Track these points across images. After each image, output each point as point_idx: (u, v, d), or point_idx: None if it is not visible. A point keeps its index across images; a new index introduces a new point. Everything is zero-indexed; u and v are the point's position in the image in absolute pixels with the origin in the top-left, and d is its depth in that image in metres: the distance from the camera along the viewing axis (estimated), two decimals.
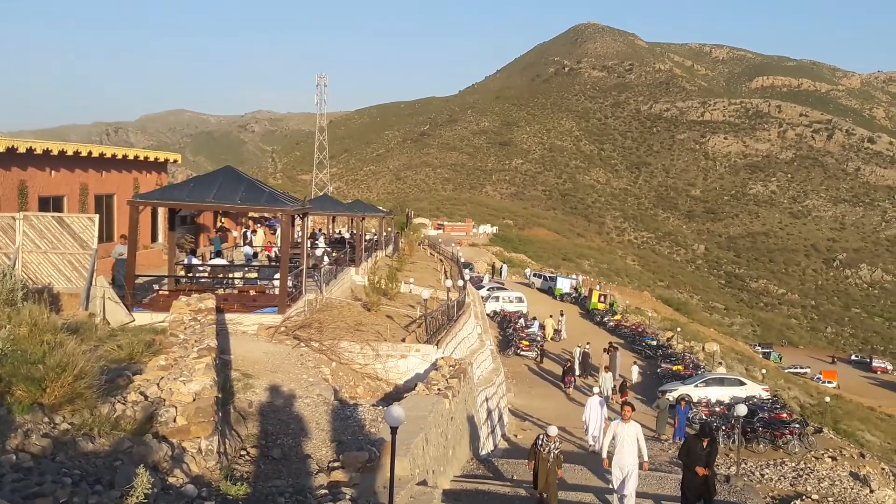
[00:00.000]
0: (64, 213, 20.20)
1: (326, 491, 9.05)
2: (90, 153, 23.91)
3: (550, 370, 34.45)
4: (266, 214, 35.28)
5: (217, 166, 26.61)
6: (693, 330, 57.25)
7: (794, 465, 22.28)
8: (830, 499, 18.76)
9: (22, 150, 20.43)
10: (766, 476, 20.83)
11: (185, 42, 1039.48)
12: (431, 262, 49.73)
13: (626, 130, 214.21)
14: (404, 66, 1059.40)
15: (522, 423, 25.72)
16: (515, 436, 23.85)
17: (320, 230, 44.05)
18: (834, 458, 23.22)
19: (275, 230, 34.03)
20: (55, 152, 21.92)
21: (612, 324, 48.23)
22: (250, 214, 36.26)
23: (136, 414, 8.92)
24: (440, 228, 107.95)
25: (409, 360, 17.47)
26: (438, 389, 14.30)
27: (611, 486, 12.97)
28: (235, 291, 19.78)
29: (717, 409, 27.17)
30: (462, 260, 56.82)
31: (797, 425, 24.89)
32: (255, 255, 27.58)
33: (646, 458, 12.70)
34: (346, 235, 41.80)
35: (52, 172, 22.27)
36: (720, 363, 41.87)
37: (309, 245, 30.69)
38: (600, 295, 55.33)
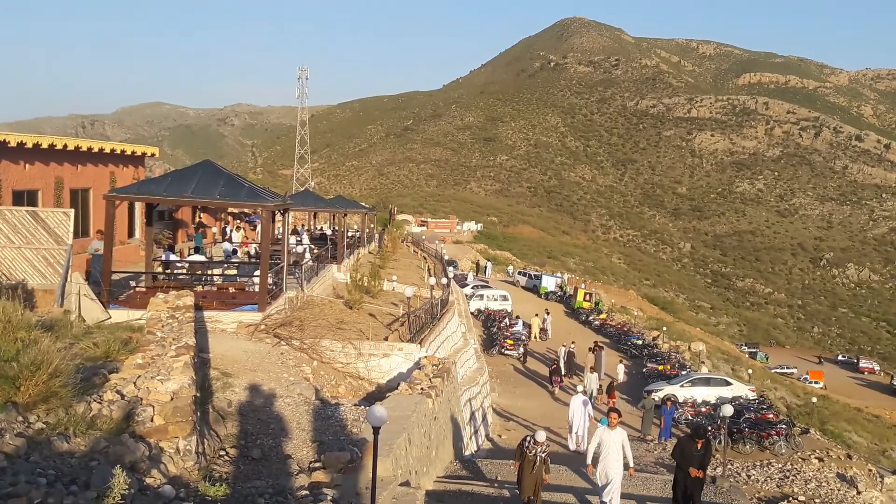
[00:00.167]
0: (38, 208, 19.82)
1: (307, 492, 8.93)
2: (65, 146, 23.57)
3: (536, 370, 34.38)
4: (246, 210, 34.97)
5: (196, 160, 26.36)
6: (679, 329, 57.43)
7: (780, 466, 22.26)
8: (817, 500, 18.75)
9: None
10: (752, 477, 20.80)
11: (164, 33, 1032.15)
12: (415, 260, 49.60)
13: (612, 127, 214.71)
14: (387, 59, 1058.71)
15: (507, 423, 25.63)
16: (500, 436, 23.76)
17: (303, 226, 43.74)
18: (821, 459, 23.22)
19: (255, 226, 33.72)
20: (29, 145, 21.55)
21: (597, 323, 48.27)
22: (230, 210, 35.94)
23: (113, 413, 8.78)
24: (424, 225, 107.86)
25: (391, 358, 17.33)
26: (422, 389, 14.17)
27: (599, 486, 12.86)
28: (214, 288, 19.55)
29: (703, 409, 27.19)
30: (446, 257, 56.68)
31: (784, 426, 24.95)
32: (235, 251, 27.28)
33: (631, 465, 12.56)
34: (328, 232, 41.53)
35: (27, 166, 21.90)
36: (703, 362, 42.00)
37: (295, 241, 30.51)
38: (585, 293, 55.39)
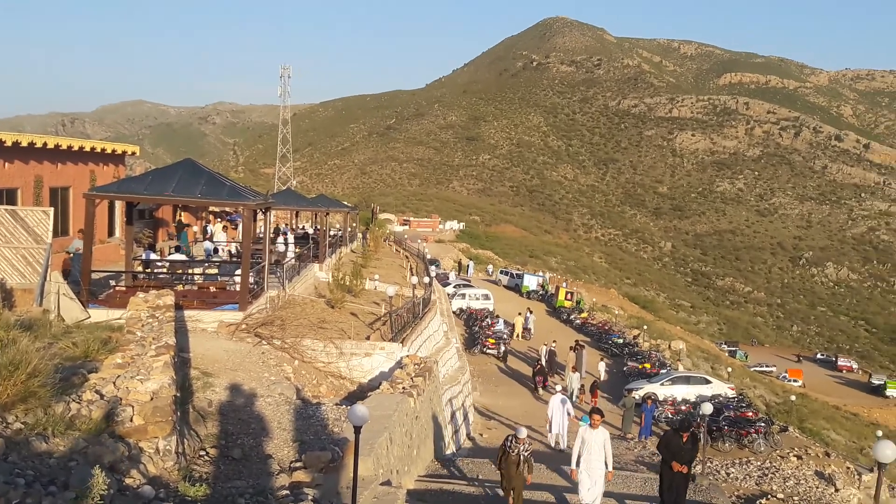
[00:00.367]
0: (18, 206, 19.65)
1: (288, 492, 8.93)
2: (45, 144, 23.36)
3: (517, 369, 34.48)
4: (227, 209, 34.78)
5: (177, 159, 26.24)
6: (659, 328, 57.76)
7: (759, 463, 22.42)
8: (796, 498, 18.93)
9: None
10: (731, 475, 20.94)
11: (145, 30, 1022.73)
12: (397, 259, 49.55)
13: (594, 126, 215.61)
14: (370, 58, 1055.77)
15: (488, 422, 25.66)
16: (481, 434, 23.80)
17: (287, 225, 43.55)
18: (799, 457, 23.40)
19: (236, 225, 33.55)
20: (9, 143, 21.35)
21: (578, 322, 48.47)
22: (211, 209, 35.72)
23: (92, 413, 8.74)
24: (406, 224, 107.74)
25: (373, 358, 17.32)
26: (403, 388, 14.18)
27: (580, 485, 12.89)
28: (195, 288, 19.44)
29: (683, 407, 27.37)
30: (428, 256, 56.70)
31: (763, 424, 25.11)
32: (216, 250, 27.15)
33: (610, 468, 12.47)
34: (310, 231, 41.40)
35: (6, 164, 21.70)
36: (678, 360, 42.30)
37: (284, 242, 30.40)
38: (567, 292, 55.58)
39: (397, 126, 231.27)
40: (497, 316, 43.05)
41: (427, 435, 15.84)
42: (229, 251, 27.58)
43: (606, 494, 13.20)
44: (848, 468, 23.37)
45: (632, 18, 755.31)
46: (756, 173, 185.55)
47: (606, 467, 12.36)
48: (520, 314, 44.36)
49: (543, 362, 32.55)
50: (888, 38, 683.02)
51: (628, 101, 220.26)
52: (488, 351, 36.18)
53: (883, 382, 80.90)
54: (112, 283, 19.40)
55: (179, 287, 18.58)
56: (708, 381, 31.56)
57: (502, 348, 36.00)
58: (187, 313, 16.38)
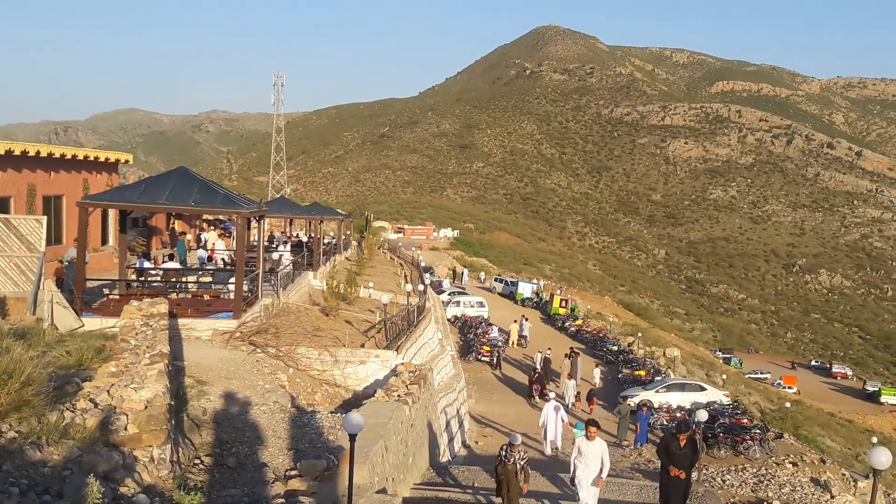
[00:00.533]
0: (10, 215, 19.58)
1: (283, 500, 8.93)
2: (38, 153, 23.32)
3: (512, 377, 34.44)
4: (221, 217, 34.72)
5: (170, 167, 26.20)
6: (654, 335, 57.75)
7: (755, 470, 22.44)
8: None
9: None
10: (727, 482, 20.95)
11: (137, 38, 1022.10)
12: (391, 267, 49.53)
13: (588, 134, 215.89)
14: (363, 66, 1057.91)
15: (484, 429, 25.62)
16: (476, 442, 23.77)
17: (283, 233, 43.47)
18: (795, 464, 23.41)
19: (230, 233, 33.51)
20: (1, 152, 21.32)
21: (573, 329, 48.40)
22: (204, 217, 35.66)
23: (86, 422, 8.71)
24: (400, 232, 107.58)
25: (368, 365, 17.29)
26: (398, 396, 14.15)
27: (576, 493, 12.83)
28: (189, 296, 19.39)
29: (679, 414, 27.36)
30: (422, 264, 56.63)
31: (758, 431, 25.13)
32: (210, 258, 27.11)
33: (603, 477, 12.34)
34: (304, 239, 41.37)
35: None
36: (669, 367, 42.32)
37: (281, 250, 30.37)
38: (561, 300, 55.52)
39: (391, 134, 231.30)
40: (490, 324, 43.01)
41: (422, 443, 15.81)
42: (223, 259, 27.54)
43: (603, 501, 13.18)
44: (843, 475, 23.41)
45: (624, 27, 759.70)
46: (749, 181, 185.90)
47: (600, 474, 12.26)
48: (515, 321, 44.33)
49: (539, 370, 32.50)
50: (879, 47, 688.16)
51: (621, 109, 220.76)
52: (483, 358, 36.13)
53: (877, 389, 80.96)
54: (106, 291, 19.34)
55: (173, 295, 18.54)
56: (703, 389, 31.57)
57: (495, 356, 35.93)
58: (181, 321, 16.34)
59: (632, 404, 27.48)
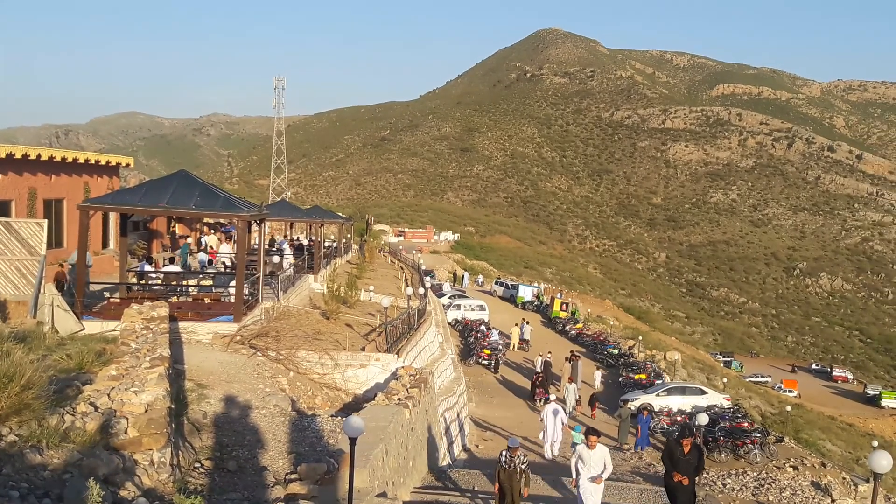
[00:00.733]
0: (11, 218, 19.60)
1: None
2: (39, 156, 23.35)
3: (512, 380, 34.41)
4: (222, 220, 34.74)
5: (171, 170, 26.20)
6: (654, 339, 57.73)
7: (755, 474, 22.39)
8: None
9: None
10: (727, 486, 20.90)
11: (138, 42, 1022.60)
12: (392, 270, 49.54)
13: (588, 137, 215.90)
14: (364, 69, 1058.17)
15: (484, 433, 25.61)
16: (477, 446, 23.75)
17: (285, 237, 43.47)
18: (795, 468, 23.36)
19: (231, 236, 33.53)
20: (2, 155, 21.34)
21: (573, 332, 48.40)
22: (205, 220, 35.67)
23: (87, 425, 8.69)
24: (401, 235, 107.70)
25: (368, 369, 17.28)
26: (399, 399, 14.13)
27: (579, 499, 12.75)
28: (190, 299, 19.39)
29: (679, 418, 27.32)
30: (423, 267, 56.63)
31: (758, 435, 25.08)
32: (211, 261, 27.12)
33: (604, 476, 12.27)
34: (305, 242, 41.36)
35: None
36: (665, 370, 42.23)
37: (283, 254, 30.38)
38: (562, 303, 55.54)
39: (391, 137, 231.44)
40: (491, 328, 43.00)
41: (422, 446, 15.79)
42: (223, 262, 27.56)
43: None
44: (844, 478, 23.34)
45: (624, 30, 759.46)
46: (749, 184, 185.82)
47: (601, 474, 12.15)
48: (516, 325, 44.32)
49: (541, 373, 32.46)
50: (880, 50, 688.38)
51: (622, 112, 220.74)
52: (483, 362, 36.13)
53: (878, 393, 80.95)
54: (106, 294, 19.35)
55: (174, 299, 18.54)
56: (703, 392, 31.51)
57: (494, 360, 35.92)
58: (182, 325, 16.33)
59: (632, 408, 27.45)
